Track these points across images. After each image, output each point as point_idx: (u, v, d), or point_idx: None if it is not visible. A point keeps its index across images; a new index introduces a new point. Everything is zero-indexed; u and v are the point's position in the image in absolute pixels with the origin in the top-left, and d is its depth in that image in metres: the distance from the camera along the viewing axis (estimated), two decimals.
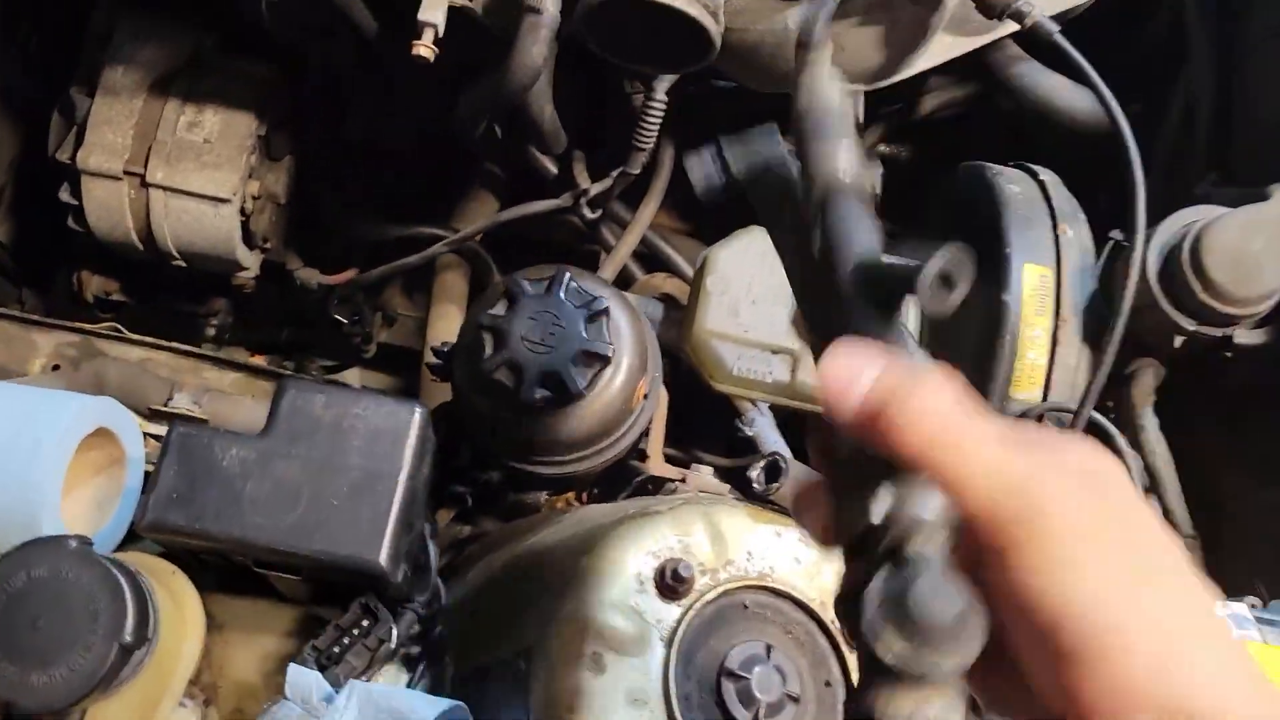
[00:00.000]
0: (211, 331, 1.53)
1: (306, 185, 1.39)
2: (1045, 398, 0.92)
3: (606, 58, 0.95)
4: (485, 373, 0.86)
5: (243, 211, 1.29)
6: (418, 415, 0.82)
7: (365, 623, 0.82)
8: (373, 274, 1.29)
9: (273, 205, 1.35)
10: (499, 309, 0.87)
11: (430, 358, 1.00)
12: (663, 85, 1.08)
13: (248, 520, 0.78)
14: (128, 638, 0.71)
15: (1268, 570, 0.83)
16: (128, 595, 0.71)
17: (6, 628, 0.69)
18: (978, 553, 0.40)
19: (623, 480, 1.03)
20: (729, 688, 0.76)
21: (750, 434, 0.98)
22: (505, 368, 0.85)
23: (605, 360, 0.86)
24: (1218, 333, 0.87)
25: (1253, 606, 0.78)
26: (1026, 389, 0.92)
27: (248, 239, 1.33)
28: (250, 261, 1.36)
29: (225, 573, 0.87)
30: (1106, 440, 0.87)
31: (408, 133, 1.42)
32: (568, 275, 0.87)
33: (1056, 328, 0.92)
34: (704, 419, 1.14)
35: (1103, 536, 0.39)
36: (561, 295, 0.87)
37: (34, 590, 0.70)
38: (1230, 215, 0.85)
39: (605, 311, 0.87)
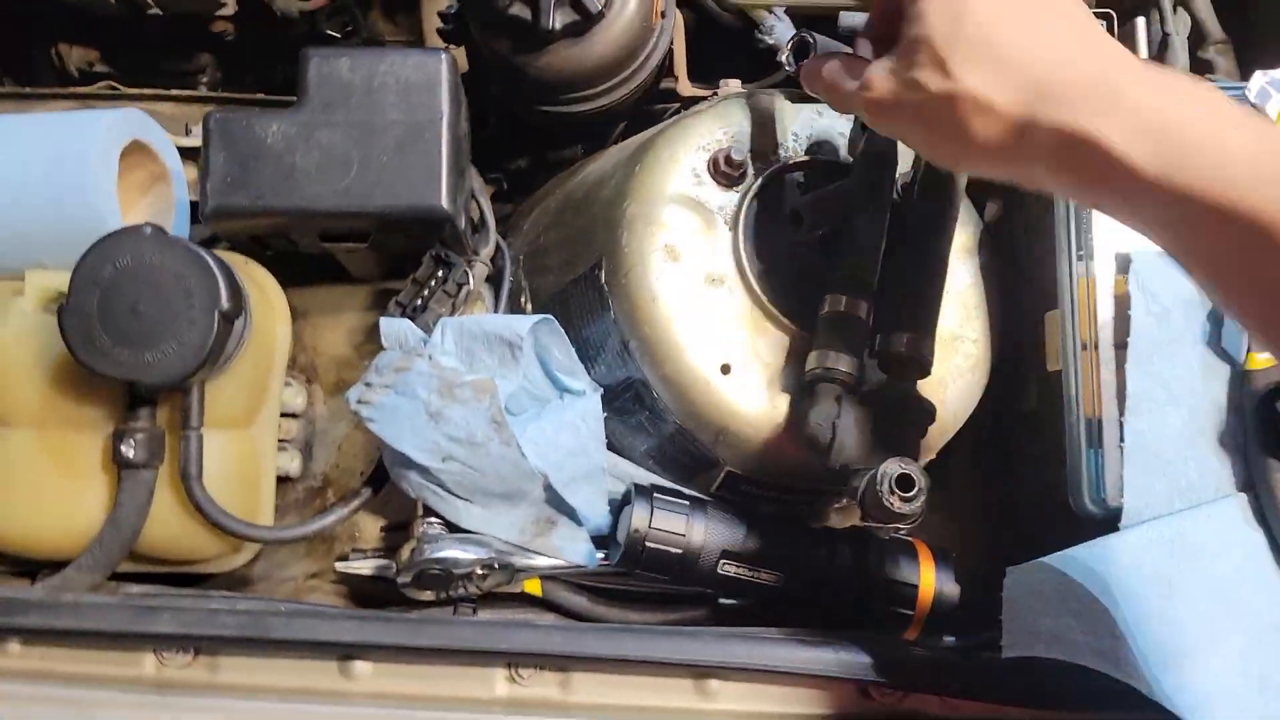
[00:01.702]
0: (203, 88, 1.50)
1: None
2: None
3: None
4: (500, 11, 0.84)
5: None
6: (445, 60, 0.82)
7: (440, 272, 0.85)
8: None
9: None
10: None
11: (436, 25, 0.99)
12: None
13: (306, 190, 0.79)
14: (225, 305, 0.73)
15: None
16: (215, 268, 0.74)
17: (109, 316, 0.72)
18: None
19: (654, 117, 1.03)
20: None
21: (770, 41, 0.96)
22: (519, 1, 0.84)
23: None
24: None
25: None
26: None
27: None
28: None
29: (294, 265, 0.90)
30: None
31: None
32: None
33: None
34: (719, 50, 1.12)
35: None
36: None
37: (124, 278, 0.72)
38: None
39: None
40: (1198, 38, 0.89)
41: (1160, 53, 0.85)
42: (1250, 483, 0.72)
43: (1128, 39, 0.82)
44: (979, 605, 0.77)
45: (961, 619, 0.81)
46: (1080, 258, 0.77)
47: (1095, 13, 0.85)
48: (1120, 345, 0.75)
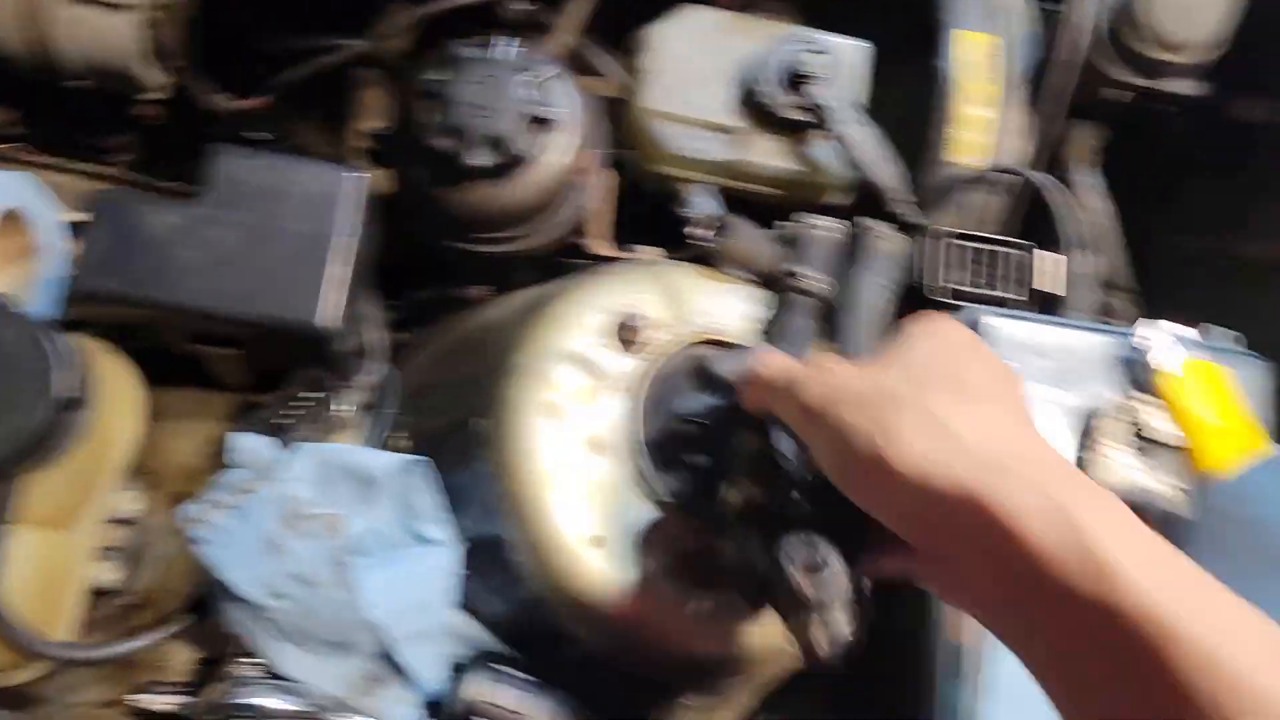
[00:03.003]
0: (117, 169, 1.45)
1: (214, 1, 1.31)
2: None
3: None
4: (424, 140, 0.83)
5: (146, 22, 1.22)
6: (355, 179, 0.79)
7: (311, 392, 0.80)
8: (289, 76, 1.22)
9: (177, 18, 1.28)
10: (438, 74, 0.83)
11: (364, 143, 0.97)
12: None
13: (184, 285, 0.75)
14: (64, 394, 0.67)
15: (1197, 313, 0.85)
16: (61, 350, 0.68)
17: None
18: None
19: (564, 270, 1.01)
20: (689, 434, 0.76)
21: (689, 215, 0.96)
22: (445, 133, 0.82)
23: (550, 125, 0.84)
24: (1160, 85, 0.88)
25: None
26: (970, 154, 0.92)
27: (152, 53, 1.25)
28: (155, 80, 1.28)
29: (159, 364, 0.84)
30: (1052, 198, 0.88)
31: None
32: (509, 39, 0.84)
33: (999, 94, 0.92)
34: (639, 216, 1.12)
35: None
36: (504, 59, 0.83)
37: None
38: None
39: (549, 76, 0.84)
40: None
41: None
42: None
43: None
44: None
45: None
46: None
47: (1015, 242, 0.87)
48: None
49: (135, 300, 0.74)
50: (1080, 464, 0.74)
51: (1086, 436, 0.74)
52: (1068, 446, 0.74)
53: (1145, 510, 0.71)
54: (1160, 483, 0.72)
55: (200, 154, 1.44)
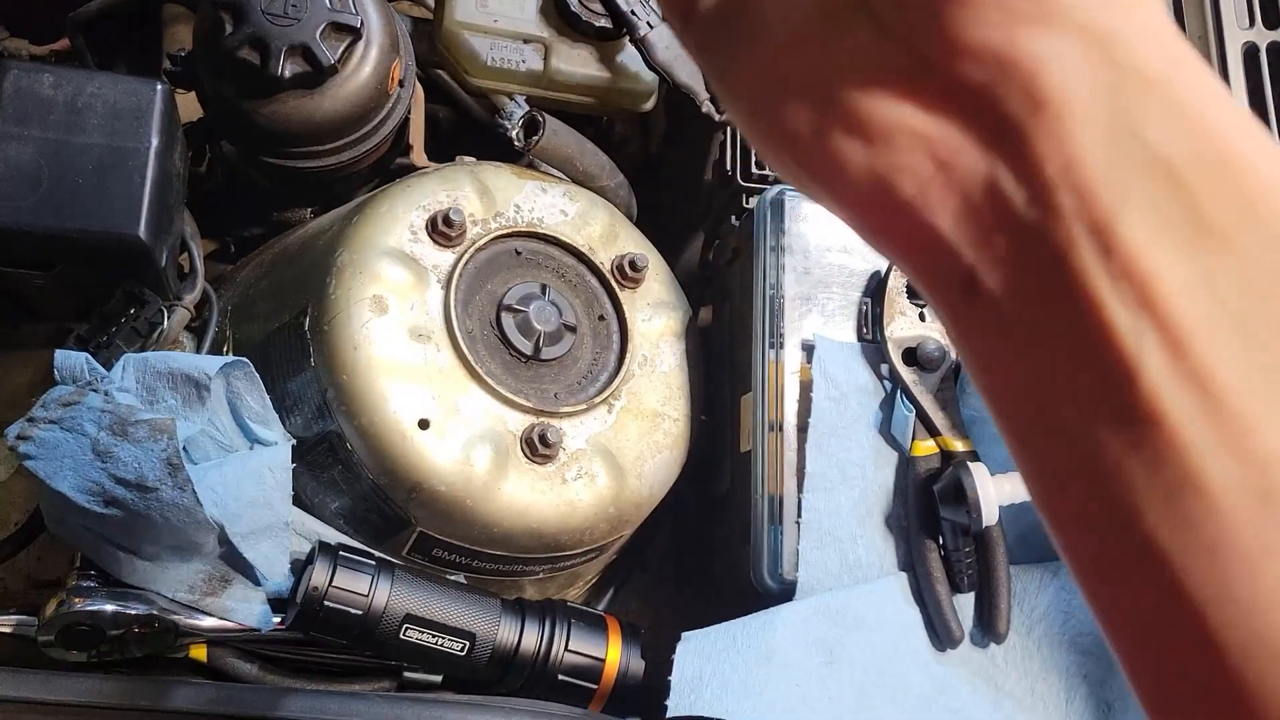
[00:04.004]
0: None
1: None
2: None
3: None
4: (228, 53, 0.83)
5: None
6: (160, 90, 0.79)
7: (131, 309, 0.80)
8: (87, 9, 1.19)
9: None
10: None
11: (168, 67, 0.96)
12: None
13: None
14: None
15: None
16: None
17: None
18: None
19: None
20: (509, 321, 0.80)
21: (510, 126, 0.99)
22: (248, 45, 0.83)
23: (355, 32, 0.85)
24: None
25: None
26: None
27: None
28: None
29: None
30: None
31: None
32: None
33: None
34: (470, 139, 1.14)
35: None
36: None
37: None
38: None
39: None
40: None
41: None
42: (910, 563, 0.77)
43: None
44: (668, 688, 0.77)
45: (649, 699, 0.81)
46: (773, 345, 0.81)
47: None
48: (802, 427, 0.79)
49: None
50: (877, 319, 0.81)
51: (878, 293, 0.81)
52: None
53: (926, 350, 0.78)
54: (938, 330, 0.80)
55: None
